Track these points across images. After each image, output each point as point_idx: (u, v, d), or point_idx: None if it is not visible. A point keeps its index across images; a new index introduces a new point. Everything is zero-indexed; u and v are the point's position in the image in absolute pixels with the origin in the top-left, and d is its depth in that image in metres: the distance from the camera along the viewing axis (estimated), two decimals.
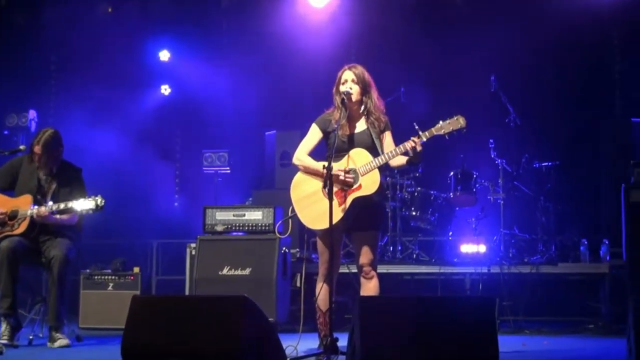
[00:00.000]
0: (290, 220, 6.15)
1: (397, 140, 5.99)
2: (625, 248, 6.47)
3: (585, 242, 9.01)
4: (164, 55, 12.14)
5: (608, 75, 10.97)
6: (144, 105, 11.98)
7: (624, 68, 10.88)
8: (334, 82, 6.13)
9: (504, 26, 10.56)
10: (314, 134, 6.15)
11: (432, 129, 5.85)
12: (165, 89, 12.25)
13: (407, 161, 5.90)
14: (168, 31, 12.00)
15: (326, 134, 6.07)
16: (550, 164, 9.58)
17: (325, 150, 6.05)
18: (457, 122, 5.83)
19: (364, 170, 5.84)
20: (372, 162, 5.84)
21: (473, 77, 10.47)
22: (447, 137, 5.85)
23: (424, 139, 5.81)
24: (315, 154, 6.13)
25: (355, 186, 5.83)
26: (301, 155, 6.09)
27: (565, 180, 9.94)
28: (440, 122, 5.86)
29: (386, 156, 5.86)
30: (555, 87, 10.80)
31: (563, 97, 10.82)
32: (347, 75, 6.06)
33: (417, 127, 5.85)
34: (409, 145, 5.77)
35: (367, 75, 6.08)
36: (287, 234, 6.56)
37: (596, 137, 10.31)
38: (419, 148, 5.77)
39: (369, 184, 5.83)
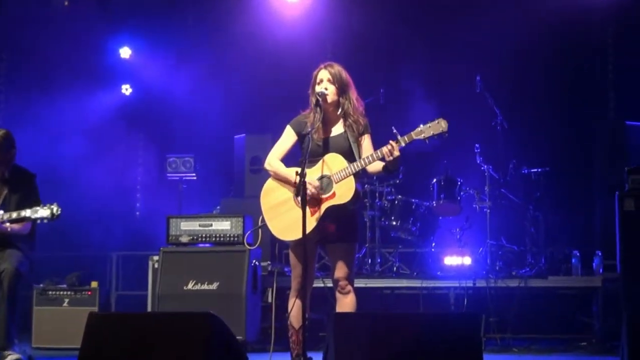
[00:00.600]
0: (260, 231, 6.13)
1: (377, 145, 5.99)
2: (620, 260, 6.53)
3: (577, 254, 9.06)
4: (125, 52, 12.09)
5: (601, 76, 11.04)
6: (102, 106, 11.90)
7: (618, 68, 10.95)
8: (310, 81, 6.13)
9: (491, 23, 10.61)
10: (287, 137, 6.14)
11: (412, 133, 5.84)
12: (127, 89, 12.21)
13: (384, 167, 5.90)
14: (129, 26, 11.97)
15: (301, 137, 6.04)
16: (539, 170, 9.63)
17: (300, 155, 6.04)
18: (439, 125, 5.82)
19: (338, 177, 5.83)
20: (347, 168, 5.84)
21: (457, 78, 10.51)
22: (427, 141, 5.84)
23: (403, 144, 5.79)
24: (292, 158, 6.11)
25: (329, 194, 5.82)
26: (273, 160, 6.07)
27: (556, 187, 10.00)
28: (421, 125, 5.85)
29: (362, 162, 5.85)
30: (545, 88, 10.85)
31: (553, 99, 10.87)
32: (323, 74, 6.05)
33: (395, 130, 5.84)
34: (386, 150, 5.77)
35: (344, 75, 6.07)
36: (257, 245, 6.53)
37: (588, 142, 10.38)
38: (396, 153, 5.76)
39: (344, 191, 5.82)
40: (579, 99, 10.85)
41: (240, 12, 11.41)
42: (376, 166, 5.94)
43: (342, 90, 6.03)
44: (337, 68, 6.08)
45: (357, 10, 11.37)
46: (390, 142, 5.78)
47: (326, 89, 5.98)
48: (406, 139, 5.82)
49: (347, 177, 5.83)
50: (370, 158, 5.85)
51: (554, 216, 9.83)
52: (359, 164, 5.86)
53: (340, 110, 6.03)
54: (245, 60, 11.50)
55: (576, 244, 9.46)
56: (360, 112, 6.10)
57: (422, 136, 5.83)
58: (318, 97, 5.93)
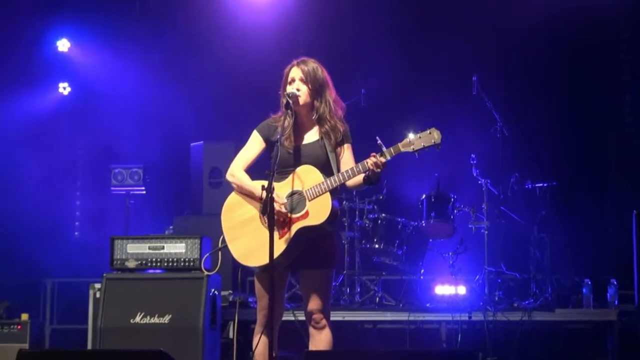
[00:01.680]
0: (220, 254, 6.09)
1: (358, 156, 5.95)
2: (638, 289, 6.54)
3: (589, 283, 9.08)
4: (63, 45, 12.03)
5: (615, 78, 11.08)
6: (36, 107, 11.82)
7: (634, 68, 10.99)
8: (281, 81, 6.11)
9: (490, 16, 10.66)
10: (254, 144, 6.10)
11: (399, 145, 5.81)
12: (64, 88, 12.14)
13: (364, 179, 5.88)
14: (68, 15, 11.91)
15: (270, 143, 6.01)
16: (545, 184, 9.65)
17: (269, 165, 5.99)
18: (430, 136, 5.80)
19: (312, 194, 5.79)
20: (322, 183, 5.80)
21: (451, 77, 10.54)
22: (417, 155, 5.83)
23: (388, 157, 5.75)
24: (259, 168, 6.06)
25: (300, 213, 5.79)
26: (236, 170, 6.03)
27: (564, 205, 10.03)
28: (410, 135, 5.82)
29: (341, 177, 5.82)
30: (551, 90, 10.91)
31: (561, 103, 10.92)
32: (295, 72, 6.03)
33: (379, 141, 5.80)
34: (369, 163, 5.75)
35: (320, 73, 6.03)
36: (216, 270, 6.48)
37: (601, 152, 10.44)
38: (378, 169, 5.73)
39: (318, 211, 5.78)
40: (590, 103, 10.88)
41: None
42: (356, 179, 5.91)
43: (316, 91, 5.99)
44: (312, 65, 6.04)
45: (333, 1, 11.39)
46: (373, 155, 5.74)
47: (298, 89, 5.94)
48: (392, 151, 5.77)
49: (323, 194, 5.79)
50: (350, 172, 5.81)
51: (562, 238, 9.85)
52: (336, 179, 5.81)
53: (315, 114, 6.00)
54: (205, 55, 11.48)
55: (588, 271, 9.50)
56: (339, 117, 6.06)
57: (410, 148, 5.80)
58: (288, 99, 5.90)
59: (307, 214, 5.79)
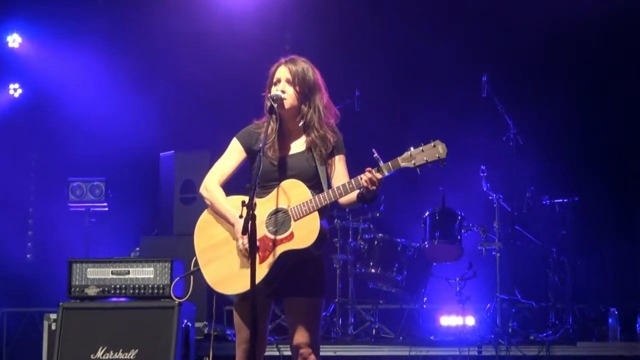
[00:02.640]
0: (192, 279, 6.06)
1: (351, 169, 5.93)
2: None
3: (615, 312, 9.10)
4: (14, 40, 12.02)
5: None
6: None
7: None
8: (266, 81, 6.09)
9: (502, 7, 10.68)
10: (233, 153, 6.07)
11: (398, 159, 5.78)
12: (15, 89, 12.14)
13: (358, 196, 5.86)
14: (20, 7, 11.90)
15: (252, 153, 6.00)
16: (565, 200, 9.68)
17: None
18: (434, 150, 5.77)
19: (298, 213, 5.76)
20: (310, 201, 5.77)
21: (457, 78, 10.55)
22: (418, 171, 5.81)
23: (386, 173, 5.73)
24: (239, 181, 6.05)
25: (285, 235, 5.77)
26: (211, 183, 6.00)
27: (586, 223, 10.05)
28: (411, 149, 5.80)
29: (331, 194, 5.78)
30: (571, 93, 10.92)
31: (582, 107, 10.93)
32: (282, 72, 6.00)
33: (376, 154, 5.78)
34: (364, 180, 5.72)
35: (311, 75, 6.01)
36: (187, 297, 6.44)
37: (627, 164, 10.45)
38: (374, 186, 5.71)
39: (305, 233, 5.74)
40: (613, 107, 10.90)
41: None
42: (349, 196, 5.89)
43: (304, 94, 5.96)
44: (302, 65, 6.02)
45: None
46: (369, 170, 5.72)
47: (283, 91, 5.93)
48: (390, 166, 5.73)
49: (310, 213, 5.77)
50: (341, 189, 5.77)
51: (585, 262, 9.87)
52: (326, 197, 5.77)
53: (301, 120, 5.99)
54: (177, 52, 11.48)
55: (613, 299, 9.50)
56: (330, 126, 6.04)
57: (411, 163, 5.76)
58: (272, 102, 5.89)
59: (291, 235, 5.75)
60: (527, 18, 10.62)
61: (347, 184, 5.73)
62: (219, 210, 5.92)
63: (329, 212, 6.07)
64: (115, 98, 11.54)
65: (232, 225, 5.73)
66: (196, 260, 5.91)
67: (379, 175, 5.65)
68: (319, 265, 5.99)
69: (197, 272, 5.91)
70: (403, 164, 5.71)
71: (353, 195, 5.83)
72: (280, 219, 5.79)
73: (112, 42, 11.78)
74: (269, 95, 5.94)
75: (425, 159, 5.73)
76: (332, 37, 11.20)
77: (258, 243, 5.65)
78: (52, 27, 11.86)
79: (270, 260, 5.74)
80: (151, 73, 11.56)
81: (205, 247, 5.92)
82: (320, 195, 5.74)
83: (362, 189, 5.71)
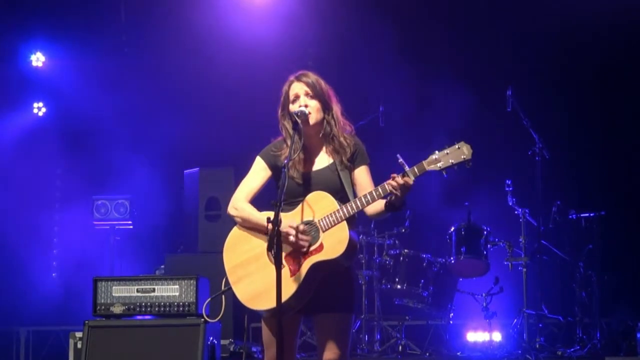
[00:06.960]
0: (223, 298, 6.06)
1: (376, 181, 5.93)
2: None
3: None
4: (37, 59, 12.07)
5: None
6: (7, 131, 11.89)
7: None
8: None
9: (526, 20, 10.67)
10: (258, 172, 6.06)
11: (424, 163, 5.74)
12: (39, 108, 12.18)
13: (386, 205, 5.84)
14: (43, 25, 11.95)
15: (276, 170, 6.00)
16: (592, 215, 9.64)
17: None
18: (459, 151, 5.73)
19: (326, 224, 5.75)
20: (338, 211, 5.76)
21: (482, 91, 10.53)
22: (444, 173, 5.77)
23: (412, 178, 5.70)
24: (263, 199, 6.06)
25: (314, 247, 5.77)
26: (239, 202, 5.99)
27: (614, 238, 10.00)
28: (436, 152, 5.76)
29: (358, 203, 5.77)
30: (598, 105, 10.88)
31: (609, 120, 10.90)
32: (297, 88, 5.97)
33: (401, 159, 5.75)
34: (390, 186, 5.70)
35: (323, 83, 5.98)
36: (219, 317, 6.46)
37: None
38: (400, 193, 5.68)
39: (334, 243, 5.74)
40: None
41: (192, 7, 11.44)
42: (376, 205, 5.88)
43: (325, 104, 5.98)
44: (313, 77, 5.99)
45: (348, 4, 11.39)
46: (394, 175, 5.69)
47: (306, 105, 5.92)
48: (416, 170, 5.68)
49: (339, 223, 5.78)
50: (368, 197, 5.75)
51: (612, 276, 9.83)
52: (353, 206, 5.75)
53: (322, 132, 5.98)
54: (200, 71, 11.50)
55: None
56: (350, 133, 6.06)
57: (437, 166, 5.73)
58: (297, 119, 5.87)
59: (321, 246, 5.73)
60: (550, 26, 10.60)
61: (373, 192, 5.66)
62: (253, 223, 5.88)
63: (356, 227, 6.04)
64: (139, 116, 11.57)
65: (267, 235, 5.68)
66: (227, 279, 5.89)
67: (407, 181, 5.60)
68: (349, 281, 5.97)
69: (227, 291, 5.91)
70: (429, 168, 5.62)
71: (381, 205, 5.78)
72: (308, 231, 5.78)
73: (137, 60, 11.80)
74: (293, 112, 5.90)
75: (450, 161, 5.66)
76: (356, 55, 11.23)
77: (287, 257, 5.66)
78: (75, 44, 11.90)
79: (299, 274, 5.73)
80: (175, 92, 11.57)
81: (235, 264, 5.90)
82: (347, 204, 5.68)
83: (390, 197, 5.69)
